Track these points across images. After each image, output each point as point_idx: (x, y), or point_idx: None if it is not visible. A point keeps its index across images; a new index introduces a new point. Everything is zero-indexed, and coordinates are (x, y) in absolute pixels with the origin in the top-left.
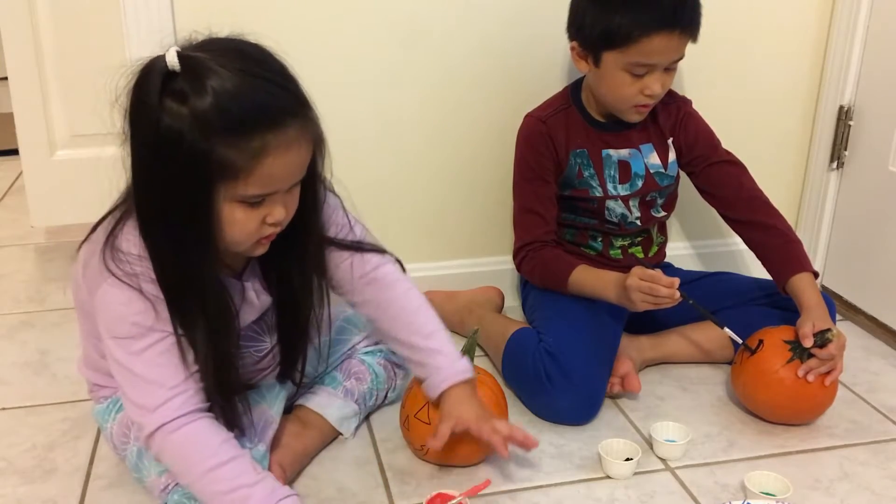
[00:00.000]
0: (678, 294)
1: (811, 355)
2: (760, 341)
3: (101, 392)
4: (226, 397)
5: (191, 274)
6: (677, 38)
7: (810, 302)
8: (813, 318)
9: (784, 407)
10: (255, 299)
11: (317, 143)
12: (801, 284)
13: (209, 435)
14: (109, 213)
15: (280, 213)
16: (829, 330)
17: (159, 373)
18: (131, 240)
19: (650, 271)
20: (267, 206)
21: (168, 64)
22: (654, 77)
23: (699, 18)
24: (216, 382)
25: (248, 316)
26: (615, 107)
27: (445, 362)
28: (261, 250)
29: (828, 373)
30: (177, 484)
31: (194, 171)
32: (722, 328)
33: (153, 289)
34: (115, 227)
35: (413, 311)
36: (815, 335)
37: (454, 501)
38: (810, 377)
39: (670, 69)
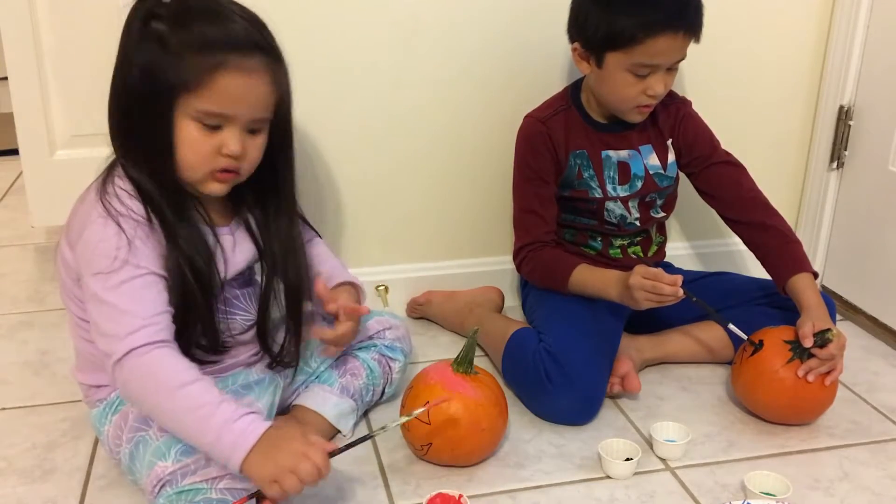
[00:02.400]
0: (682, 291)
1: (811, 355)
2: (761, 341)
3: (97, 395)
4: (197, 344)
5: (161, 193)
6: (681, 38)
7: (810, 302)
8: (813, 319)
9: (784, 407)
10: (239, 245)
11: (283, 93)
12: (801, 285)
13: (176, 359)
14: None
15: (234, 146)
16: (829, 330)
17: (133, 305)
18: (121, 183)
19: (653, 269)
20: (223, 135)
21: None
22: (657, 77)
23: (702, 19)
24: (190, 326)
25: (234, 264)
26: (617, 108)
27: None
28: (217, 188)
29: (828, 373)
30: (164, 486)
31: (159, 83)
32: (726, 325)
33: (132, 228)
34: (107, 175)
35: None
36: (815, 335)
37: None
38: (810, 377)
39: (672, 69)
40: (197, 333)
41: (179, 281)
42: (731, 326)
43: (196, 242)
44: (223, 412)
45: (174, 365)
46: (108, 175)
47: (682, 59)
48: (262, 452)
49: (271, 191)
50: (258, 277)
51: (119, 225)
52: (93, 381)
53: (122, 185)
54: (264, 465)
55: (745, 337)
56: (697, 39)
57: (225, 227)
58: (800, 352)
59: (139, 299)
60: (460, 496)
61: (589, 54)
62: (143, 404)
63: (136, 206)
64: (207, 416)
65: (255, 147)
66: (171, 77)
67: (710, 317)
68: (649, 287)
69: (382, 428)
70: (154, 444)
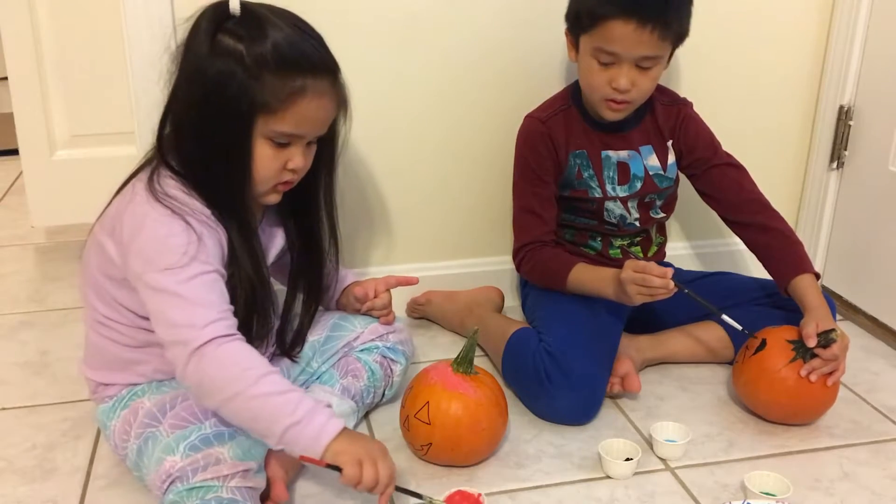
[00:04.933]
0: (672, 283)
1: (814, 355)
2: (763, 340)
3: (106, 391)
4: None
5: (230, 210)
6: (641, 29)
7: (813, 303)
8: (816, 319)
9: (785, 406)
10: (271, 239)
11: (342, 106)
12: (804, 285)
13: (253, 350)
14: (127, 180)
15: (299, 161)
16: (833, 330)
17: (208, 298)
18: (172, 184)
19: (642, 262)
20: (290, 151)
21: (231, 9)
22: (621, 70)
23: (669, 16)
24: (249, 326)
25: (268, 259)
26: (590, 99)
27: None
28: (275, 198)
29: (830, 373)
30: (173, 481)
31: (240, 104)
32: (720, 316)
33: (199, 226)
34: (151, 176)
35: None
36: (818, 335)
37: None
38: (813, 377)
39: (643, 67)
40: (253, 331)
41: (243, 282)
42: (725, 317)
43: (255, 247)
44: (309, 397)
45: (254, 354)
46: (153, 174)
47: (653, 57)
48: (349, 436)
49: (309, 190)
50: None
51: (186, 222)
52: (103, 378)
53: (173, 184)
54: (353, 445)
55: (739, 327)
56: (674, 40)
57: (258, 225)
58: (803, 351)
59: (210, 293)
60: (479, 495)
61: (573, 39)
62: (221, 391)
63: (198, 206)
64: (298, 399)
65: (311, 157)
66: (250, 98)
67: (703, 308)
68: (639, 280)
69: (430, 499)
70: (163, 441)
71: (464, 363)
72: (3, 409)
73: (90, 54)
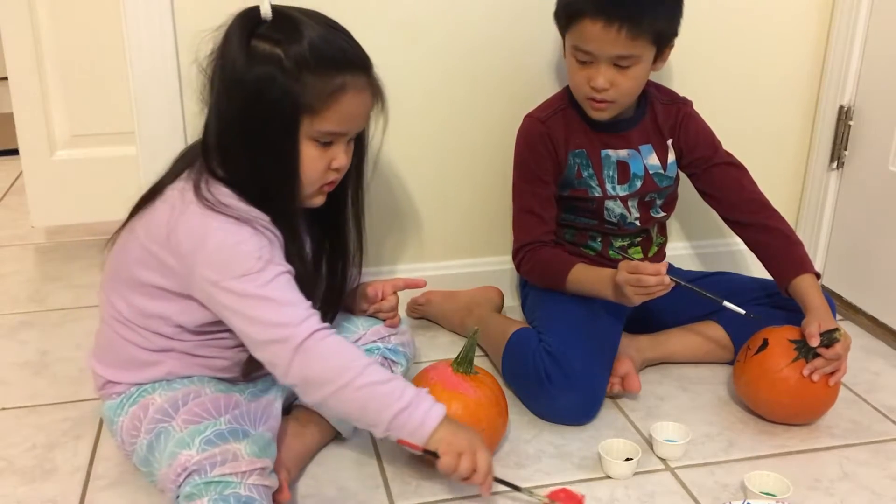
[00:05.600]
0: (668, 279)
1: (816, 355)
2: (765, 340)
3: (114, 388)
4: None
5: (282, 215)
6: (609, 28)
7: (814, 303)
8: (818, 318)
9: (786, 406)
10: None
11: (378, 99)
12: (805, 286)
13: (348, 341)
14: (153, 192)
15: (343, 160)
16: (836, 330)
17: (293, 297)
18: (224, 192)
19: (634, 263)
20: (333, 150)
21: (262, 14)
22: (597, 69)
23: (651, 18)
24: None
25: None
26: (576, 96)
27: None
28: (319, 200)
29: (832, 373)
30: (190, 474)
31: (284, 107)
32: (721, 303)
33: (264, 228)
34: (198, 185)
35: None
36: (821, 335)
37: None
38: (815, 377)
39: (621, 66)
40: None
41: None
42: (727, 303)
43: (303, 251)
44: (409, 384)
45: (352, 345)
46: (198, 183)
47: (629, 56)
48: (452, 424)
49: (336, 193)
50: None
51: (253, 227)
52: (113, 376)
53: (226, 192)
54: (456, 436)
55: (742, 312)
56: (653, 38)
57: None
58: (805, 351)
59: (293, 291)
60: (583, 497)
61: (562, 39)
62: (331, 382)
63: (256, 212)
64: (402, 387)
65: (350, 154)
66: (293, 100)
67: (703, 300)
68: (634, 281)
69: (529, 492)
70: (177, 435)
71: (464, 363)
72: (3, 409)
73: (90, 54)
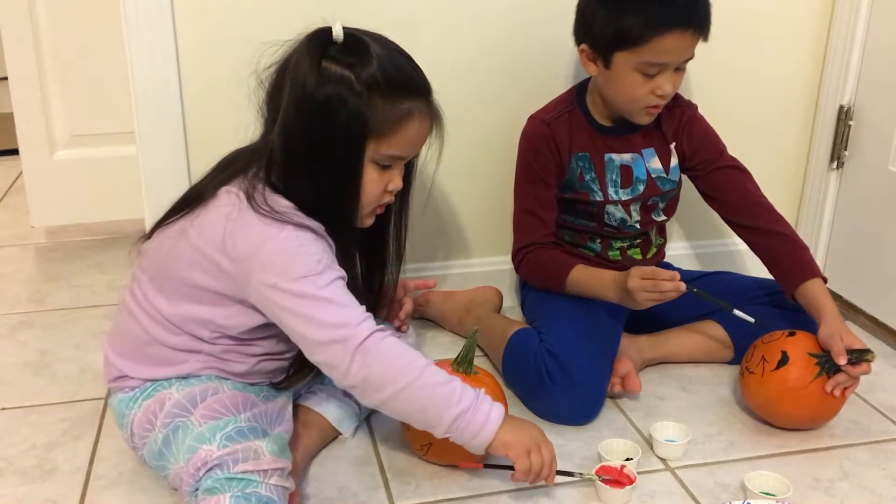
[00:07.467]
0: (683, 286)
1: (838, 369)
2: (784, 353)
3: (127, 382)
4: None
5: (338, 233)
6: (689, 37)
7: (826, 309)
8: (837, 331)
9: (807, 417)
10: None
11: (436, 124)
12: (815, 291)
13: (405, 343)
14: (199, 192)
15: (399, 183)
16: (869, 351)
17: (350, 299)
18: (282, 203)
19: (649, 268)
20: (391, 173)
21: (334, 35)
22: (665, 77)
23: (709, 17)
24: None
25: None
26: (625, 108)
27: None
28: (370, 221)
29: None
30: (211, 469)
31: (352, 129)
32: (731, 311)
33: (321, 234)
34: (251, 193)
35: None
36: (850, 353)
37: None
38: (836, 392)
39: (680, 69)
40: None
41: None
42: (737, 311)
43: (356, 271)
44: (467, 385)
45: (409, 347)
46: (251, 191)
47: (691, 58)
48: (512, 423)
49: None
50: None
51: (314, 233)
52: (131, 371)
53: (285, 203)
54: (520, 434)
55: (751, 320)
56: (706, 38)
57: None
58: (828, 367)
59: (349, 294)
60: (623, 466)
61: (597, 55)
62: (392, 383)
63: (314, 222)
64: (462, 388)
65: (401, 176)
66: (362, 123)
67: (714, 304)
68: (650, 287)
69: (581, 474)
70: (196, 430)
71: (464, 363)
72: (3, 409)
73: (90, 54)
